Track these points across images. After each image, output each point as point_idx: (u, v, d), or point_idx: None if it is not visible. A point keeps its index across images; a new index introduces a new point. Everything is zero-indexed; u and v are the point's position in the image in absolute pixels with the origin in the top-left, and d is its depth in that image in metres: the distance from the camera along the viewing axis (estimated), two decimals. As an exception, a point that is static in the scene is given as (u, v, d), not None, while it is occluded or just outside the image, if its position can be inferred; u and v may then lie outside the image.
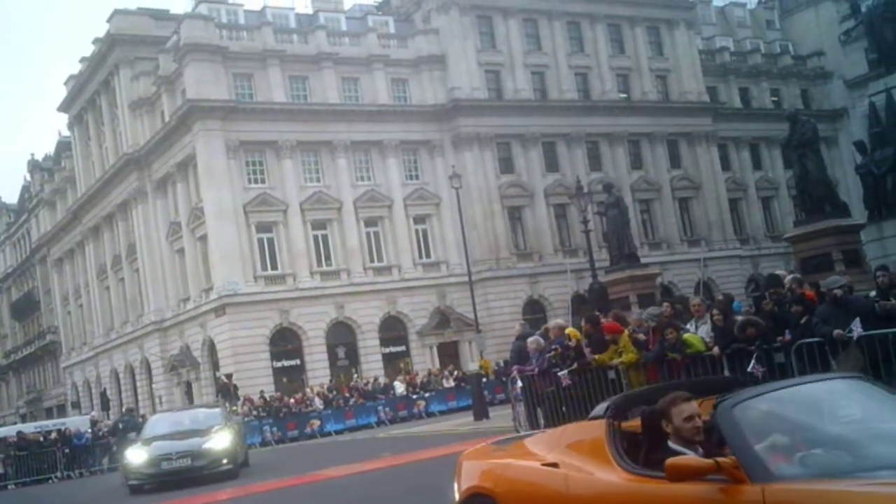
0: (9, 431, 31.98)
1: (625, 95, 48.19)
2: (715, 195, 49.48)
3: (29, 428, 33.01)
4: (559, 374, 12.51)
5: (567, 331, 13.66)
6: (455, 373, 34.97)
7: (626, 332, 12.47)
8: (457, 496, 5.25)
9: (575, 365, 12.56)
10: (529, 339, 14.07)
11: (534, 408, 13.34)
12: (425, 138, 42.39)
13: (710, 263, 45.85)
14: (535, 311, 41.07)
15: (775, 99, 55.14)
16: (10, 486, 26.60)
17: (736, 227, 51.04)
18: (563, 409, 12.58)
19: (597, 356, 12.34)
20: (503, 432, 15.47)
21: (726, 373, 10.38)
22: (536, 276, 42.79)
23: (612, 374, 11.95)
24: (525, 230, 44.03)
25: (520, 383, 13.33)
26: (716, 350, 10.85)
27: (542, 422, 13.18)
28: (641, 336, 12.08)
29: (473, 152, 42.58)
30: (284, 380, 37.31)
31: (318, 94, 40.47)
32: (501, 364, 31.77)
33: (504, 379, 24.95)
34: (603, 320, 13.27)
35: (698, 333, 11.65)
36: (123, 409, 39.10)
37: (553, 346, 13.24)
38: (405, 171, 42.11)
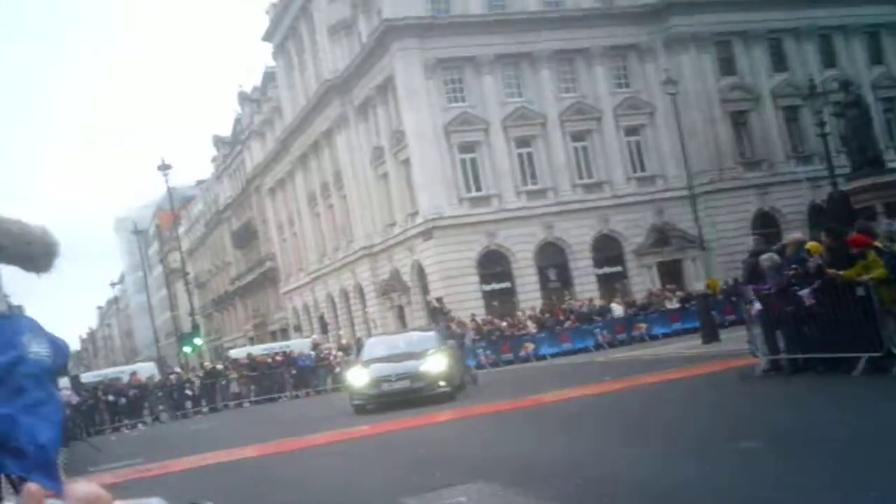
0: (240, 353, 34.95)
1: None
2: (974, 87, 44.37)
3: (257, 350, 35.85)
4: (800, 293, 11.75)
5: (808, 245, 12.77)
6: (678, 293, 34.04)
7: (875, 243, 11.47)
8: None
9: (817, 282, 11.74)
10: (763, 256, 13.29)
11: (772, 330, 12.67)
12: (635, 42, 40.76)
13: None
14: (765, 224, 38.89)
15: None
16: (245, 404, 29.25)
17: None
18: (806, 330, 11.87)
19: (843, 272, 11.45)
20: (736, 356, 14.94)
21: None
22: (766, 186, 40.61)
23: (860, 292, 11.07)
24: (751, 137, 41.76)
25: (757, 305, 12.67)
26: None
27: (781, 345, 12.53)
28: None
29: (689, 54, 40.54)
30: (495, 303, 37.97)
31: (517, 4, 39.82)
32: (731, 282, 30.57)
33: (734, 299, 24.00)
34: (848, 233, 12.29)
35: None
36: (341, 332, 41.48)
37: (792, 265, 12.43)
38: (613, 79, 40.87)
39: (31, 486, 0.62)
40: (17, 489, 3.54)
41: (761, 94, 41.58)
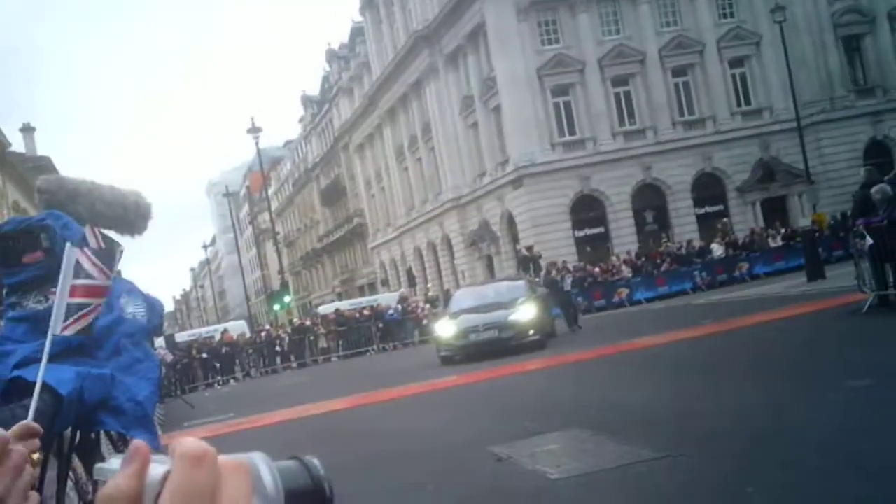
0: (328, 309, 35.71)
1: None
2: None
3: (345, 305, 36.59)
4: (914, 223, 11.28)
5: (924, 172, 12.22)
6: (783, 230, 33.21)
7: None
8: None
9: (934, 211, 11.24)
10: (875, 188, 12.79)
11: (882, 264, 12.22)
12: (741, -32, 39.33)
13: None
14: (879, 154, 37.31)
15: None
16: (333, 359, 29.99)
17: None
18: (920, 263, 11.42)
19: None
20: (844, 292, 14.47)
21: None
22: (880, 113, 39.14)
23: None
24: (865, 62, 40.12)
25: (869, 239, 12.23)
26: None
27: (891, 279, 12.08)
28: None
29: (800, -23, 38.88)
30: (588, 249, 37.77)
31: (615, -66, 38.87)
32: (839, 217, 29.58)
33: (842, 234, 23.20)
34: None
35: None
36: (429, 285, 41.82)
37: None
38: (717, 9, 39.82)
39: (139, 443, 0.63)
40: (115, 446, 3.73)
41: (877, 15, 39.79)
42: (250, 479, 0.63)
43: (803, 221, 32.64)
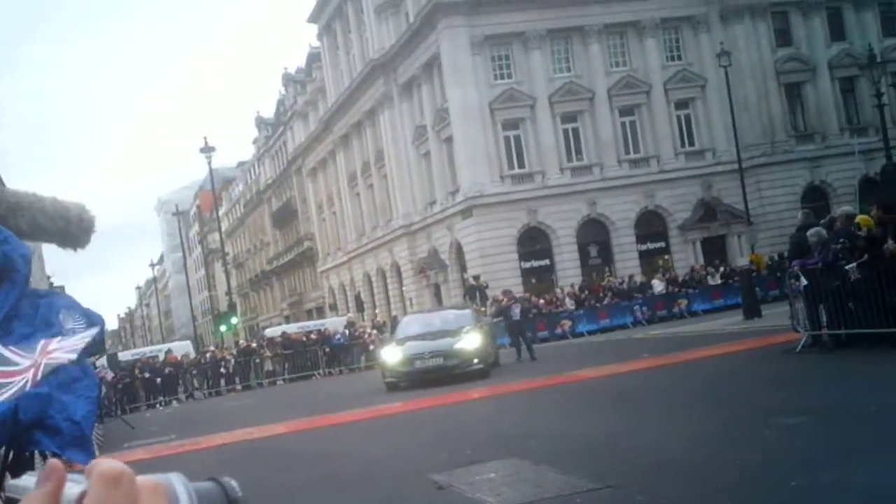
0: (275, 331, 35.38)
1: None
2: None
3: (292, 328, 36.27)
4: (847, 267, 11.59)
5: (857, 219, 12.57)
6: (722, 269, 33.81)
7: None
8: None
9: (865, 257, 11.57)
10: (811, 231, 13.12)
11: (815, 305, 12.52)
12: (689, 14, 40.27)
13: None
14: (815, 198, 38.26)
15: None
16: (278, 382, 29.69)
17: None
18: (850, 305, 11.72)
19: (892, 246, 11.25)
20: (779, 331, 14.78)
21: None
22: (818, 159, 40.06)
23: (909, 266, 10.87)
24: (805, 109, 41.18)
25: (804, 280, 12.52)
26: None
27: (824, 320, 12.38)
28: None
29: (745, 25, 40.00)
30: (533, 280, 38.02)
31: (569, -23, 39.52)
32: (776, 258, 30.21)
33: (778, 274, 23.69)
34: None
35: None
36: (377, 311, 41.70)
37: (840, 239, 12.24)
38: (666, 52, 40.52)
39: (54, 462, 0.62)
40: None
41: (817, 65, 40.91)
42: (167, 500, 0.62)
43: (741, 261, 33.34)
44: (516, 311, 21.41)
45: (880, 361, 10.50)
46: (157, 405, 27.83)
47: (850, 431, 6.69)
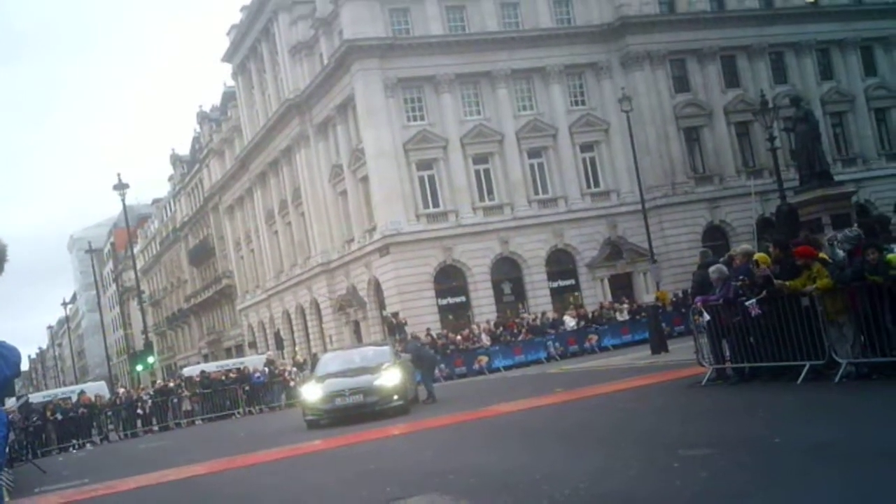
0: (193, 370, 34.51)
1: (812, 0, 45.04)
2: (916, 103, 45.89)
3: (211, 367, 35.47)
4: (747, 303, 11.92)
5: (755, 256, 12.96)
6: (628, 305, 34.48)
7: (821, 255, 11.68)
8: None
9: (764, 293, 11.93)
10: (712, 269, 13.47)
11: (718, 340, 12.84)
12: (591, 61, 41.35)
13: (910, 178, 42.91)
14: (715, 237, 39.62)
15: None
16: (197, 422, 28.86)
17: (940, 137, 47.21)
18: (751, 340, 12.04)
19: (788, 283, 11.65)
20: (684, 366, 15.10)
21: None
22: (717, 200, 41.39)
23: (805, 302, 11.25)
24: (703, 152, 42.55)
25: (707, 316, 12.84)
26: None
27: (727, 354, 12.70)
28: (841, 252, 11.34)
29: (644, 72, 41.22)
30: (450, 317, 38.13)
31: (476, 24, 40.23)
32: (680, 295, 30.94)
33: (683, 310, 24.27)
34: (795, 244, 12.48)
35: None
36: (297, 349, 41.11)
37: (739, 276, 12.60)
38: (570, 97, 41.38)
39: None
40: None
41: (714, 110, 42.38)
42: None
43: (647, 297, 34.10)
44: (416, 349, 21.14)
45: (781, 393, 10.78)
46: (70, 448, 26.61)
47: (755, 462, 6.84)
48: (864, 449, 6.57)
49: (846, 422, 8.29)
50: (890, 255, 10.74)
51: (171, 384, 32.16)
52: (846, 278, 10.78)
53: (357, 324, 42.19)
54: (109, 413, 29.14)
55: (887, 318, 10.18)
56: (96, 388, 34.08)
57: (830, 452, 6.69)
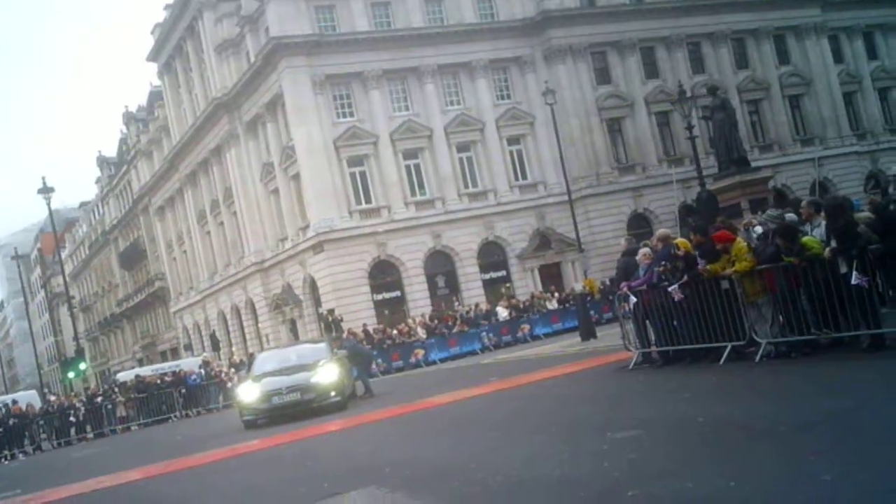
0: (128, 375, 33.84)
1: (726, -9, 46.14)
2: (828, 90, 47.37)
3: (146, 371, 34.84)
4: (669, 288, 12.15)
5: (676, 241, 13.20)
6: (558, 294, 34.89)
7: (739, 239, 11.97)
8: None
9: (685, 277, 12.17)
10: (642, 250, 13.66)
11: (644, 324, 13.07)
12: (515, 55, 41.63)
13: (825, 162, 44.49)
14: (640, 225, 40.34)
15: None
16: (133, 428, 28.27)
17: (852, 122, 48.89)
18: (675, 323, 12.28)
19: (709, 266, 11.91)
20: (612, 351, 15.34)
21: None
22: (640, 189, 42.05)
23: (725, 285, 11.51)
24: (626, 142, 43.16)
25: (634, 299, 13.03)
26: (827, 252, 10.23)
27: (652, 338, 12.94)
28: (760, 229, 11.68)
29: (567, 65, 41.66)
30: (386, 312, 38.05)
31: (401, 20, 40.14)
32: (607, 282, 31.40)
33: (610, 298, 24.63)
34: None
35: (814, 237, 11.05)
36: (233, 349, 40.57)
37: (661, 261, 12.83)
38: (496, 91, 41.60)
39: None
40: None
41: (635, 101, 43.03)
42: None
43: (576, 286, 34.51)
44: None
45: (704, 374, 11.01)
46: (2, 459, 25.86)
47: (680, 442, 7.00)
48: (785, 424, 6.76)
49: (767, 399, 8.52)
50: (805, 238, 11.06)
51: (105, 390, 31.36)
52: (768, 257, 11.05)
53: (293, 322, 41.82)
54: (41, 422, 28.29)
55: (803, 298, 10.48)
56: (27, 398, 33.09)
57: (752, 429, 6.88)
